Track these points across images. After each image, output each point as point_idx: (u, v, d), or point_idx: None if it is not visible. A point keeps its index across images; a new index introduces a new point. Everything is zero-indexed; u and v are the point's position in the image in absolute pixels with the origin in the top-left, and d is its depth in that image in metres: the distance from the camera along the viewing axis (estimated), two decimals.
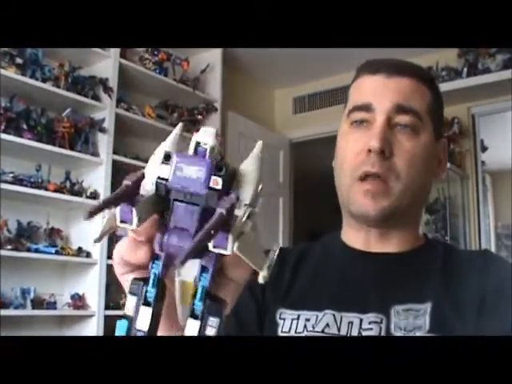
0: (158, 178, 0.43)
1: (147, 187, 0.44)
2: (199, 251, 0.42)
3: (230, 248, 0.42)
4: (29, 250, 2.93)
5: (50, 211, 3.18)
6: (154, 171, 0.44)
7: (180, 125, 0.49)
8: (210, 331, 0.44)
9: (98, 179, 3.24)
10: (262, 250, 0.46)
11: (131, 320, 0.45)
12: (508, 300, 0.79)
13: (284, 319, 0.89)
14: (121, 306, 3.28)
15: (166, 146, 0.47)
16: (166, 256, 0.46)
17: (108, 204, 0.42)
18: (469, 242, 4.09)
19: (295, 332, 0.87)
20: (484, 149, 4.29)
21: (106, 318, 3.15)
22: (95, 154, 3.24)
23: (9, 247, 2.83)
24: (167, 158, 0.44)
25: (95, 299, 3.13)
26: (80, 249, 3.16)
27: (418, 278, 0.89)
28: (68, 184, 3.17)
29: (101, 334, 3.08)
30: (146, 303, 0.45)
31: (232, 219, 0.42)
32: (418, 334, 0.81)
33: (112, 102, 3.32)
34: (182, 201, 0.44)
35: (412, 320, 0.82)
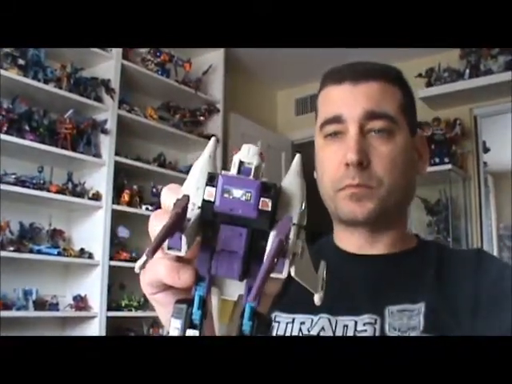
0: (204, 201, 0.42)
1: (190, 210, 0.43)
2: (245, 272, 0.42)
3: (285, 273, 0.41)
4: (31, 251, 2.93)
5: (52, 212, 3.19)
6: (197, 193, 0.43)
7: (213, 140, 0.46)
8: None
9: (100, 180, 3.25)
10: (312, 268, 0.45)
11: None
12: (502, 298, 0.79)
13: (279, 322, 0.89)
14: (122, 307, 3.29)
15: (204, 164, 0.45)
16: (210, 278, 0.44)
17: (163, 240, 0.39)
18: (471, 244, 4.09)
19: (290, 335, 0.87)
20: (486, 150, 4.29)
21: (108, 319, 3.16)
22: (97, 155, 3.25)
23: (11, 248, 2.83)
24: (212, 179, 0.42)
25: (97, 300, 3.13)
26: (82, 250, 3.17)
27: (411, 279, 0.89)
28: (70, 185, 3.18)
29: (103, 335, 3.08)
30: (193, 326, 0.44)
31: (287, 243, 0.41)
32: (412, 334, 0.81)
33: (114, 104, 3.32)
34: (228, 223, 0.42)
35: (406, 320, 0.82)
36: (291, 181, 0.45)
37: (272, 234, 0.41)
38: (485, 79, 3.88)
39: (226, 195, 0.41)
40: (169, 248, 0.41)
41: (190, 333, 0.43)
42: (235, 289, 0.46)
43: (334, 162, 0.90)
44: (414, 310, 0.83)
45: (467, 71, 3.97)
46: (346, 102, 0.90)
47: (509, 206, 4.31)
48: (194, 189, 0.43)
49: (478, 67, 3.95)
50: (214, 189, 0.42)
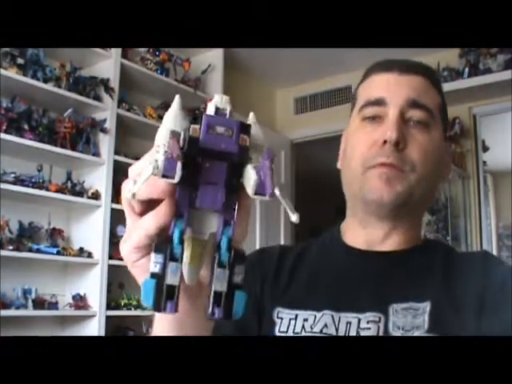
0: (189, 138, 0.46)
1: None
2: (226, 207, 0.48)
3: (269, 192, 0.46)
4: (30, 250, 2.93)
5: (52, 211, 3.18)
6: (177, 132, 0.46)
7: (178, 97, 0.50)
8: (237, 278, 0.48)
9: (99, 179, 3.24)
10: None
11: (159, 278, 0.46)
12: (507, 301, 0.79)
13: (281, 318, 0.89)
14: (122, 306, 3.29)
15: (176, 113, 0.48)
16: (189, 213, 0.48)
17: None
18: (470, 243, 4.09)
19: (293, 332, 0.86)
20: (485, 149, 4.29)
21: (108, 318, 3.16)
22: (96, 154, 3.25)
23: (10, 247, 2.82)
24: (196, 119, 0.46)
25: (97, 299, 3.13)
26: (81, 249, 3.17)
27: (417, 277, 0.88)
28: (69, 184, 3.17)
29: (102, 334, 3.08)
30: (174, 259, 0.47)
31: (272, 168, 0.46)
32: (416, 333, 0.81)
33: (113, 103, 3.32)
34: (210, 158, 0.47)
35: (411, 319, 0.82)
36: (255, 128, 0.49)
37: (249, 166, 0.46)
38: (484, 78, 3.88)
39: (210, 131, 0.46)
40: (163, 176, 0.44)
41: (172, 265, 0.46)
42: (206, 228, 0.50)
43: (368, 141, 0.90)
44: (418, 308, 0.83)
45: (466, 70, 3.97)
46: (391, 87, 0.92)
47: (508, 205, 4.32)
48: (170, 130, 0.47)
49: (477, 66, 3.96)
50: (198, 126, 0.46)
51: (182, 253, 0.47)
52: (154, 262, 0.47)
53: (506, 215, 4.58)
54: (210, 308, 0.47)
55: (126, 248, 0.52)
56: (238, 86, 4.59)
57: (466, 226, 4.13)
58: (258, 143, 0.48)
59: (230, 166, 0.47)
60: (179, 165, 0.44)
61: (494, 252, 4.36)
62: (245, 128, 0.47)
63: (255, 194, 0.46)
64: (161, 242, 0.47)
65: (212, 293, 0.47)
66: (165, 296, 0.46)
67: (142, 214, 0.50)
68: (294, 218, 0.47)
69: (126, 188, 0.49)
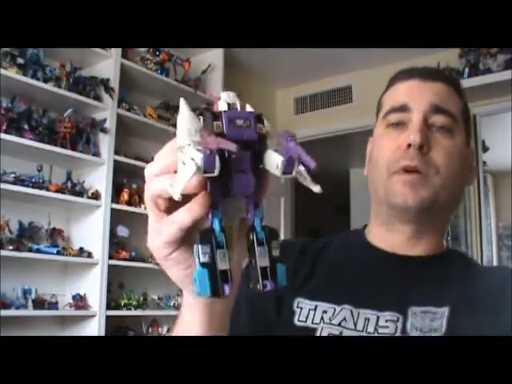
0: (215, 134, 0.49)
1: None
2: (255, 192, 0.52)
3: (295, 171, 0.51)
4: (30, 250, 2.93)
5: (52, 211, 3.18)
6: (196, 136, 0.48)
7: (183, 99, 0.52)
8: (276, 252, 0.52)
9: (99, 179, 3.24)
10: None
11: (210, 266, 0.50)
12: None
13: (301, 308, 0.90)
14: (122, 306, 3.29)
15: (190, 114, 0.51)
16: (224, 202, 0.52)
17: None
18: (470, 243, 4.08)
19: (312, 323, 0.88)
20: (485, 149, 4.28)
21: (108, 318, 3.16)
22: (96, 154, 3.24)
23: (10, 247, 2.82)
24: (216, 117, 0.50)
25: (97, 299, 3.13)
26: (81, 249, 3.17)
27: (438, 284, 0.90)
28: (69, 184, 3.17)
29: (102, 334, 3.08)
30: (220, 247, 0.50)
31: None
32: (434, 335, 0.82)
33: (113, 103, 3.32)
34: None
35: (429, 322, 0.83)
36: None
37: (270, 151, 0.51)
38: (484, 78, 3.88)
39: (232, 125, 0.50)
40: (205, 172, 0.47)
41: (220, 252, 0.50)
42: (238, 214, 0.55)
43: (393, 145, 0.92)
44: (437, 312, 0.84)
45: (466, 70, 3.96)
46: (414, 94, 0.93)
47: (508, 205, 4.31)
48: (193, 132, 0.49)
49: (477, 66, 3.95)
50: (219, 122, 0.50)
51: (226, 239, 0.51)
52: (202, 253, 0.50)
53: (506, 215, 4.57)
54: (260, 282, 0.51)
55: (158, 243, 0.54)
56: (238, 86, 4.58)
57: (465, 226, 4.12)
58: (268, 130, 0.53)
59: (252, 154, 0.51)
60: (217, 158, 0.47)
61: (494, 252, 4.36)
62: (259, 118, 0.52)
63: (283, 173, 0.50)
64: (204, 234, 0.50)
65: (259, 269, 0.51)
66: (220, 281, 0.49)
67: (167, 210, 0.53)
68: (317, 188, 0.52)
69: (154, 187, 0.52)
